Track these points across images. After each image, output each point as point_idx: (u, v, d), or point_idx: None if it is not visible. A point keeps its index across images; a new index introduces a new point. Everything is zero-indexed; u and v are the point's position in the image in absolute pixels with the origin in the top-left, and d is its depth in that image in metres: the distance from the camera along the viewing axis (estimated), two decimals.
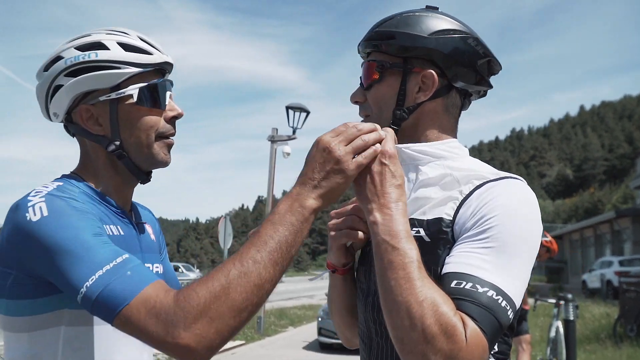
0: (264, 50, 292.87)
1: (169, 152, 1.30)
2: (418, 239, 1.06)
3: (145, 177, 1.32)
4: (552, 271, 37.04)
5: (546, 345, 7.64)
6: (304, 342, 13.05)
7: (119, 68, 1.21)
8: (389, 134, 1.11)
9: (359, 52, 1.31)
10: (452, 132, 1.25)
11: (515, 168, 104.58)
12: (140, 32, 1.29)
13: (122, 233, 1.23)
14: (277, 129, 15.39)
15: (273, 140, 15.21)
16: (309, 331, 14.47)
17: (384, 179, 1.06)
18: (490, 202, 1.06)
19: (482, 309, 0.96)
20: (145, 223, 1.40)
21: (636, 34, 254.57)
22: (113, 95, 1.22)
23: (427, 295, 0.95)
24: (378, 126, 1.11)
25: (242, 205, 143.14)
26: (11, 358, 1.16)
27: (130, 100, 1.24)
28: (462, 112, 1.29)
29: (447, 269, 1.03)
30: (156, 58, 1.27)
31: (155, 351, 1.14)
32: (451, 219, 1.10)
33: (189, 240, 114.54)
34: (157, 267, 1.37)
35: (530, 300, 7.67)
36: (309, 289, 33.87)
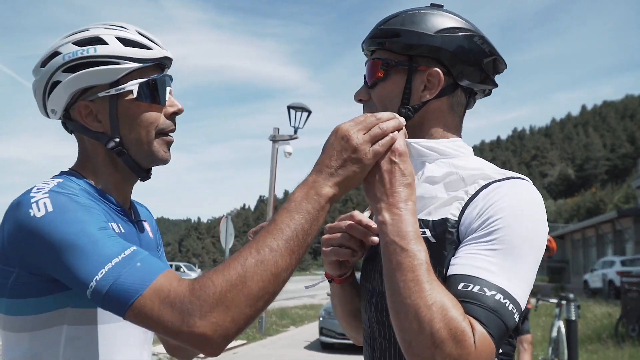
0: (265, 50, 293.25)
1: (168, 149, 1.28)
2: (424, 240, 1.05)
3: (145, 175, 1.30)
4: (554, 271, 37.03)
5: (548, 345, 7.63)
6: (306, 342, 13.05)
7: (118, 63, 1.19)
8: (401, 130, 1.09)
9: (362, 50, 1.29)
10: (457, 131, 1.24)
11: (516, 168, 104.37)
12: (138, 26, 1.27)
13: (123, 231, 1.21)
14: (278, 129, 15.39)
15: (274, 140, 15.21)
16: (311, 331, 14.48)
17: (394, 178, 1.04)
18: (497, 203, 1.05)
19: (490, 313, 0.95)
20: (144, 221, 1.39)
21: (639, 33, 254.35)
22: (113, 91, 1.20)
23: (436, 299, 0.94)
24: (396, 114, 1.10)
25: (244, 205, 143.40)
26: (11, 358, 1.14)
27: (130, 96, 1.21)
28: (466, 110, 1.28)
29: (453, 270, 1.02)
30: (156, 53, 1.25)
31: (156, 351, 1.13)
32: (457, 219, 1.09)
33: (191, 240, 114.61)
34: None
35: (532, 300, 7.66)
36: (311, 289, 33.81)
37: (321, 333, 11.80)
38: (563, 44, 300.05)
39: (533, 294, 10.23)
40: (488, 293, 0.97)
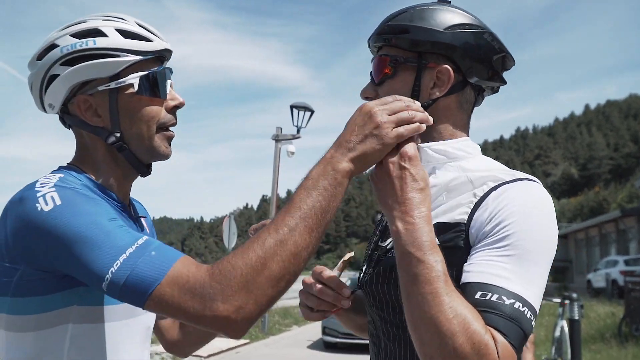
0: (268, 50, 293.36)
1: (169, 144, 1.26)
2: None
3: (146, 170, 1.27)
4: (557, 270, 36.93)
5: (551, 345, 7.63)
6: (309, 341, 13.06)
7: (118, 56, 1.16)
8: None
9: (369, 47, 1.27)
10: (465, 128, 1.21)
11: (520, 167, 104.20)
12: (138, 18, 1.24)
13: None
14: (281, 128, 15.39)
15: (277, 139, 15.21)
16: (313, 330, 14.47)
17: (405, 184, 1.01)
18: (507, 207, 1.02)
19: (509, 322, 0.94)
20: (143, 217, 1.37)
21: None
22: (113, 85, 1.17)
23: (457, 312, 0.92)
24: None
25: (247, 205, 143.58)
26: (11, 359, 1.10)
27: (131, 90, 1.18)
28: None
29: (469, 278, 1.00)
30: (156, 45, 1.21)
31: (157, 351, 1.11)
32: (466, 222, 1.06)
33: (194, 239, 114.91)
34: None
35: None
36: None
37: (324, 332, 11.80)
38: (566, 43, 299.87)
39: None
40: (507, 302, 0.95)
